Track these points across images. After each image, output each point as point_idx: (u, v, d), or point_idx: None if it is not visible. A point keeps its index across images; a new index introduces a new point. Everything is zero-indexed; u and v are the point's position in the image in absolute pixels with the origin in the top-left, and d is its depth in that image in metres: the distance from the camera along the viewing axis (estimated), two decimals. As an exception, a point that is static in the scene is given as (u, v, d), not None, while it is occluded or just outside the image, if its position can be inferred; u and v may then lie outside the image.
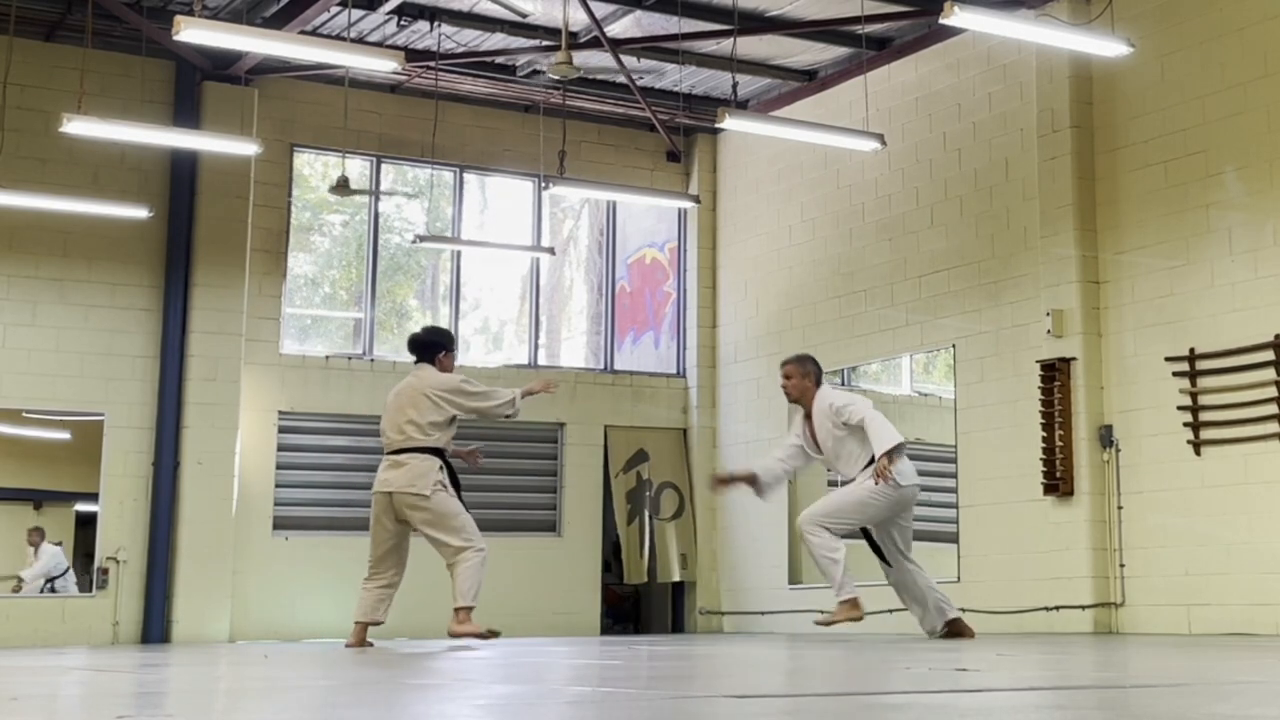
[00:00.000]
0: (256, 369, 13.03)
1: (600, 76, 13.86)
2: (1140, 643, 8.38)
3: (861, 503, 9.22)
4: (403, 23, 12.46)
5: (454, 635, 8.81)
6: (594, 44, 12.59)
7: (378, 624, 8.99)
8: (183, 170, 12.82)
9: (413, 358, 9.28)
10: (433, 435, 8.86)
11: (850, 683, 4.45)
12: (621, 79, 13.60)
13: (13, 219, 12.15)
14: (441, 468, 8.88)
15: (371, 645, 8.93)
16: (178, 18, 9.00)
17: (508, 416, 9.24)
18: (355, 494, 13.33)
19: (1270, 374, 10.08)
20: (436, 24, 12.51)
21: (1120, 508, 10.85)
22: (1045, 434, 11.16)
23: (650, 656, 6.91)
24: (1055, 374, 11.12)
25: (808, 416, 9.36)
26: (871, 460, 9.01)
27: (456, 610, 8.77)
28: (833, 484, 10.45)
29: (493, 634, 8.98)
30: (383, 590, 8.96)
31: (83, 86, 10.66)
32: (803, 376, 9.35)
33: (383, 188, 13.94)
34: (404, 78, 13.28)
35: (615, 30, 12.60)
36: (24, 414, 12.52)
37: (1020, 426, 11.50)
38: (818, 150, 13.41)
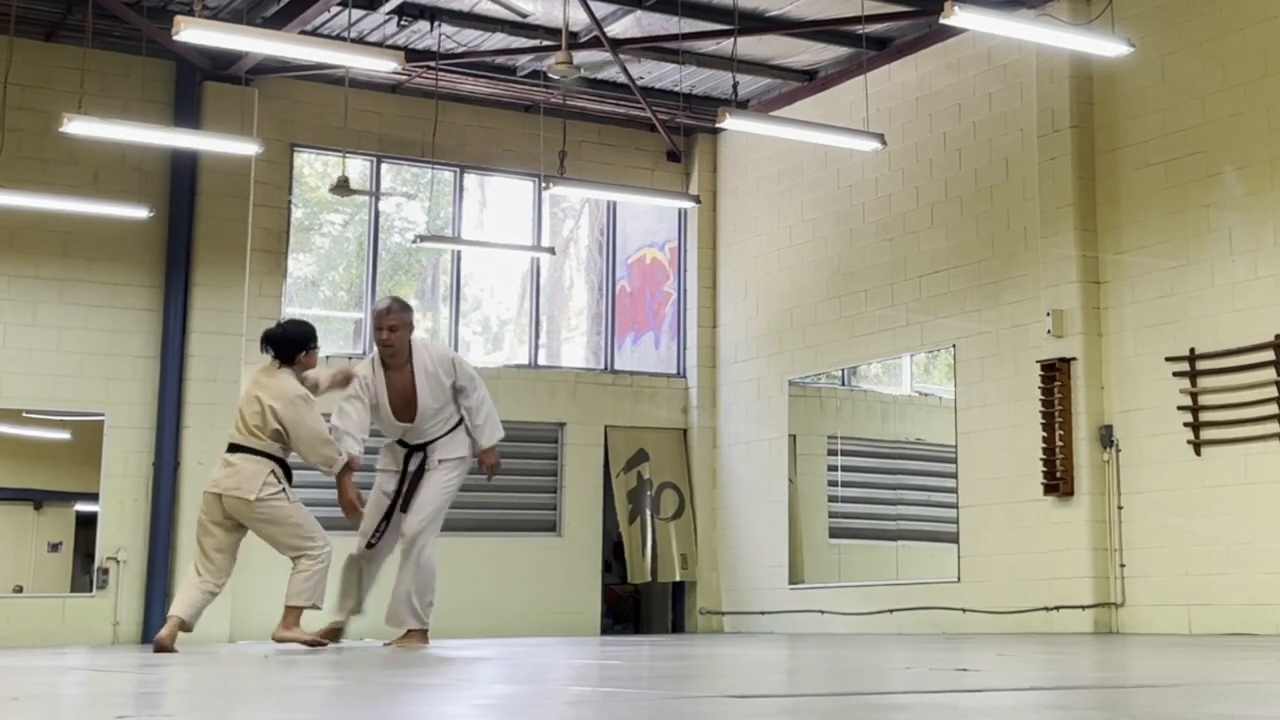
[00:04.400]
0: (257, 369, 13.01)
1: (600, 76, 13.86)
2: (1140, 643, 8.38)
3: (450, 496, 8.78)
4: (403, 23, 12.46)
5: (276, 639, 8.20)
6: (594, 44, 12.59)
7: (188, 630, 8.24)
8: (183, 170, 12.82)
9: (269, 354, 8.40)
10: (273, 445, 8.20)
11: (850, 683, 4.45)
12: (622, 79, 13.60)
13: (13, 219, 12.15)
14: (274, 471, 8.16)
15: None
16: (178, 18, 9.01)
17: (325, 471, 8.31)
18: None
19: (1270, 374, 10.08)
20: (436, 24, 12.51)
21: (1120, 508, 10.85)
22: (1045, 434, 11.15)
23: (650, 656, 6.91)
24: (1055, 374, 11.12)
25: (391, 370, 8.62)
26: (456, 425, 8.67)
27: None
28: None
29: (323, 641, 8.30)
30: (208, 593, 8.20)
31: (83, 86, 10.66)
32: (406, 327, 8.68)
33: (383, 188, 13.94)
34: (404, 78, 13.28)
35: (615, 30, 12.60)
36: (24, 414, 12.52)
37: (1020, 426, 11.50)
38: (818, 150, 13.41)
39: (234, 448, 8.26)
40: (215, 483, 8.23)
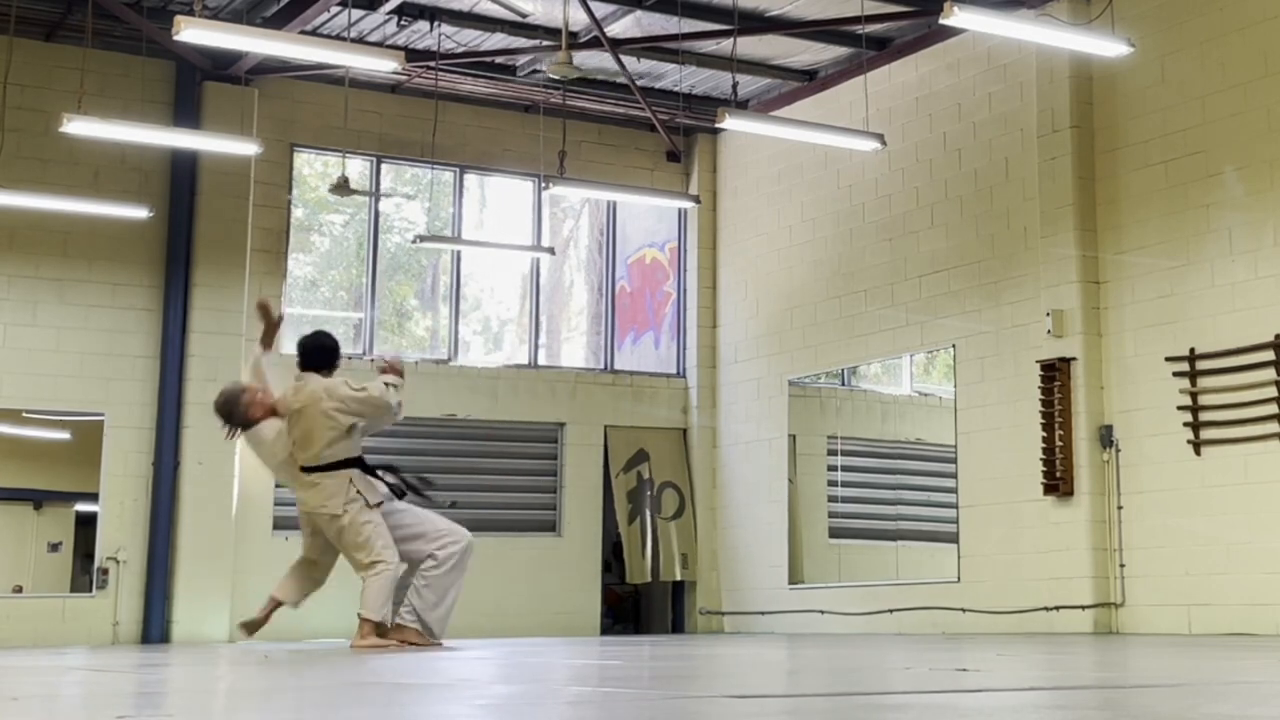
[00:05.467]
0: (256, 369, 13.00)
1: (600, 76, 13.86)
2: (1140, 643, 8.38)
3: None
4: (403, 23, 12.46)
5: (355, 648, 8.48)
6: (594, 44, 12.59)
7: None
8: (183, 170, 12.82)
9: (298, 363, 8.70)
10: (338, 450, 8.56)
11: (850, 683, 4.45)
12: (621, 79, 13.60)
13: (13, 219, 12.15)
14: (352, 481, 8.58)
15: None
16: (178, 18, 9.01)
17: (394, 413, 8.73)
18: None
19: (1270, 374, 10.08)
20: (436, 24, 12.51)
21: (1120, 508, 10.85)
22: (1045, 434, 11.15)
23: (650, 656, 6.91)
24: (1055, 374, 11.12)
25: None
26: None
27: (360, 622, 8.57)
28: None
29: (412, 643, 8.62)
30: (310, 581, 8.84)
31: (83, 86, 10.66)
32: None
33: (383, 188, 13.94)
34: (404, 78, 13.28)
35: (615, 30, 12.59)
36: (24, 414, 12.51)
37: (1020, 426, 11.50)
38: (818, 150, 13.41)
39: (308, 469, 8.58)
40: (301, 501, 8.67)
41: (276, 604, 8.90)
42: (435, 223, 14.30)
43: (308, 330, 9.60)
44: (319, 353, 8.77)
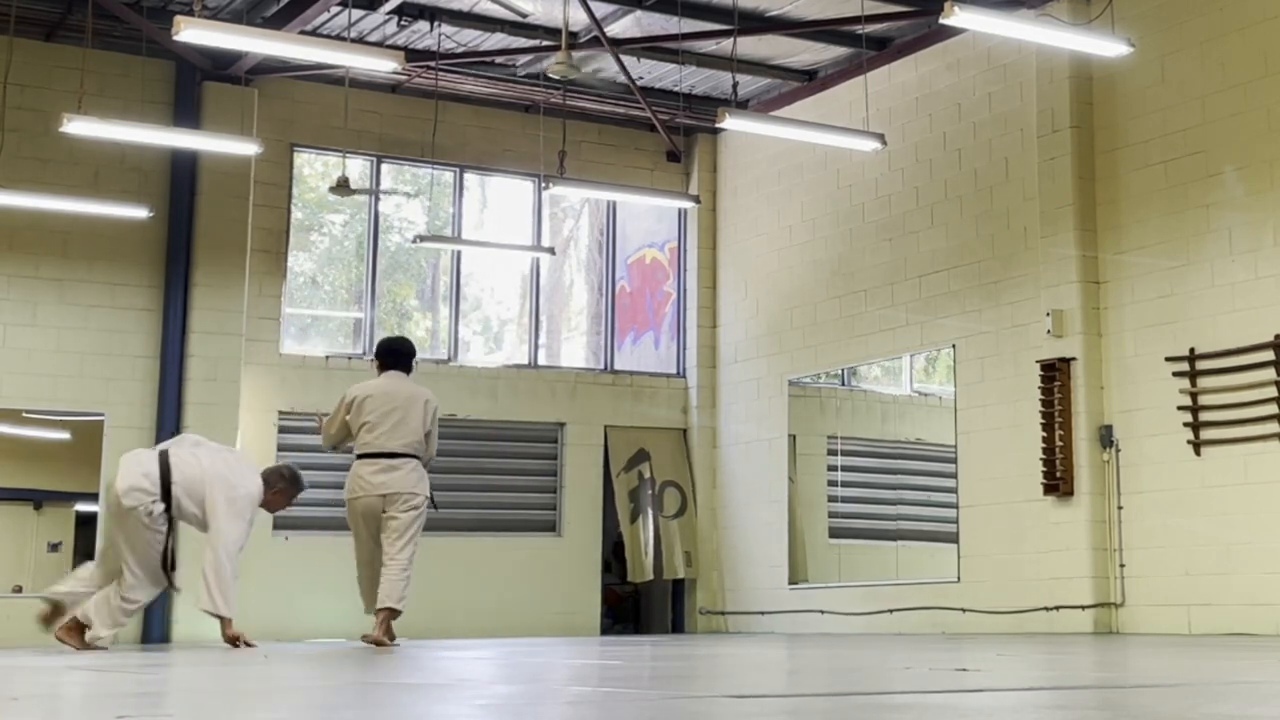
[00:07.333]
0: (256, 369, 13.02)
1: (600, 76, 13.86)
2: (1140, 643, 8.38)
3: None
4: (403, 23, 12.47)
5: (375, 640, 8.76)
6: (594, 44, 12.60)
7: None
8: (183, 170, 12.82)
9: (385, 361, 9.20)
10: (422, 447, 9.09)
11: (850, 683, 4.45)
12: (621, 79, 13.60)
13: (13, 219, 12.15)
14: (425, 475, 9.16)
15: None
16: (178, 18, 9.01)
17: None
18: (355, 494, 13.31)
19: (1270, 374, 10.08)
20: (436, 24, 12.51)
21: (1120, 508, 10.85)
22: (1045, 434, 11.15)
23: (650, 656, 6.92)
24: (1055, 374, 11.12)
25: None
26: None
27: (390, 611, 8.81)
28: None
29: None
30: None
31: (83, 86, 10.65)
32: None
33: (382, 187, 13.94)
34: (404, 78, 13.28)
35: (615, 30, 12.60)
36: (24, 414, 12.51)
37: (1020, 426, 11.50)
38: (818, 150, 13.41)
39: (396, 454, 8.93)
40: (380, 485, 8.86)
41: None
42: (435, 223, 14.31)
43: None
44: (408, 357, 9.30)
